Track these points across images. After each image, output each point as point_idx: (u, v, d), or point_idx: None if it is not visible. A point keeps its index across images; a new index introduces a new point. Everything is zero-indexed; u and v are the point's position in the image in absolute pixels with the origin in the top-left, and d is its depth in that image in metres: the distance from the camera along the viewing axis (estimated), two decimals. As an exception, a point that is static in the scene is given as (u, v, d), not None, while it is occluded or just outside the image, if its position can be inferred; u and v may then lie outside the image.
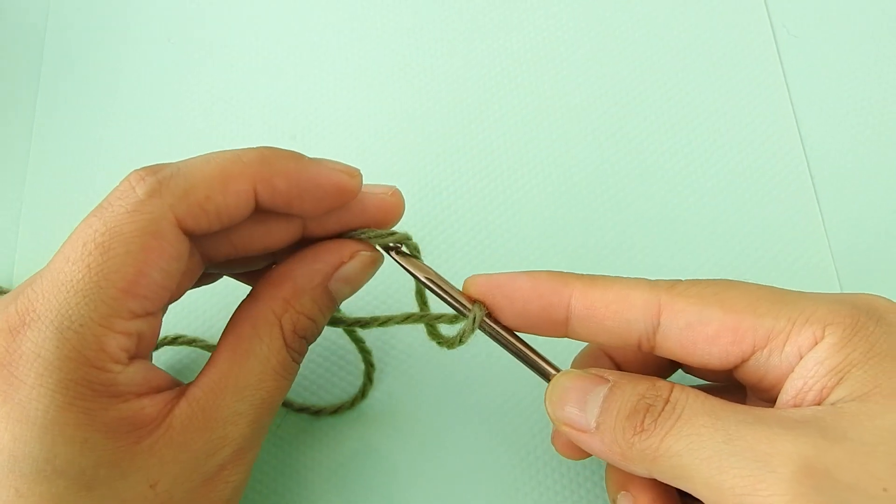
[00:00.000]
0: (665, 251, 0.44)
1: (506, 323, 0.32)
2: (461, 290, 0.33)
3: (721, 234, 0.45)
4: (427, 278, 0.33)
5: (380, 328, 0.37)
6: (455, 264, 0.44)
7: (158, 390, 0.30)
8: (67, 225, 0.45)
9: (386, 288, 0.43)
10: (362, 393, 0.40)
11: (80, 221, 0.45)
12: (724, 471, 0.26)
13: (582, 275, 0.32)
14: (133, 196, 0.29)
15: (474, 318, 0.32)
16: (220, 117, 0.49)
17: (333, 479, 0.39)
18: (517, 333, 0.33)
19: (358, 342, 0.40)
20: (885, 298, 0.29)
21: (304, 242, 0.34)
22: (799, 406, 0.27)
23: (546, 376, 0.32)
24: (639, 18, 0.51)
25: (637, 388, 0.29)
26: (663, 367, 0.35)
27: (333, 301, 0.33)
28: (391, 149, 0.48)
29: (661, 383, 0.29)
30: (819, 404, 0.27)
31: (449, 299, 0.33)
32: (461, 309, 0.33)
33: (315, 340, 0.34)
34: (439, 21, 0.51)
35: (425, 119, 0.48)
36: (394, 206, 0.34)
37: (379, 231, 0.33)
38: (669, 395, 0.28)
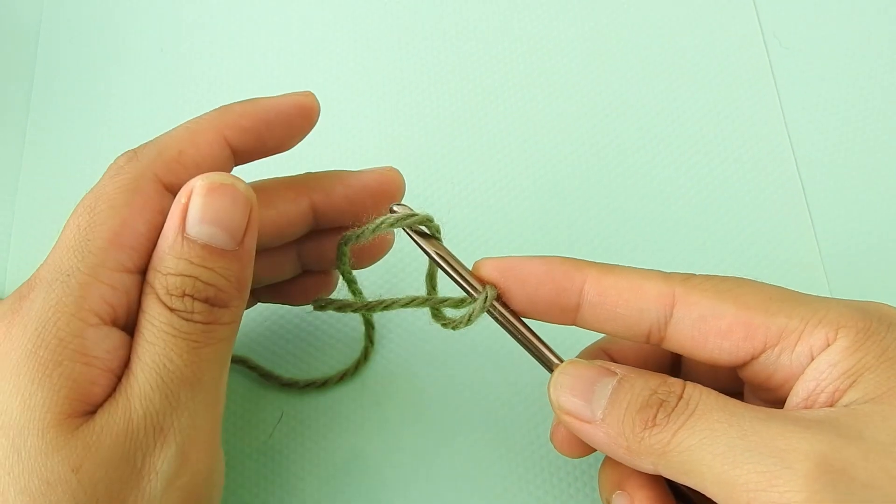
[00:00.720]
0: (656, 256, 0.45)
1: (515, 307, 0.32)
2: (478, 266, 0.33)
3: (711, 241, 0.45)
4: (438, 255, 0.33)
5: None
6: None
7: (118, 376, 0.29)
8: (57, 231, 0.45)
9: (390, 268, 0.44)
10: (364, 356, 0.40)
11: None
12: (738, 466, 0.26)
13: (595, 263, 0.32)
14: (114, 167, 0.31)
15: (485, 298, 0.32)
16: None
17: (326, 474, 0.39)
18: (524, 320, 0.33)
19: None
20: (892, 307, 0.29)
21: (322, 235, 0.36)
22: (810, 408, 0.27)
23: (550, 366, 0.32)
24: (631, 28, 0.51)
25: (649, 383, 0.29)
26: (664, 370, 0.35)
27: (206, 248, 0.29)
28: (387, 156, 0.48)
29: (672, 380, 0.29)
30: (832, 406, 0.27)
31: (460, 280, 0.33)
32: (471, 290, 0.33)
33: (228, 299, 0.30)
34: (438, 21, 0.51)
35: (423, 122, 0.49)
36: (392, 179, 0.35)
37: (400, 214, 0.33)
38: (682, 391, 0.28)
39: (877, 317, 0.28)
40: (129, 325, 0.30)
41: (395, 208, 0.33)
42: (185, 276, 0.29)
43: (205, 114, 0.33)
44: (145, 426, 0.28)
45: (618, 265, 0.31)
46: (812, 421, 0.26)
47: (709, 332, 0.29)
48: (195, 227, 0.29)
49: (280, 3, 0.52)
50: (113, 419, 0.28)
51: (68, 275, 0.28)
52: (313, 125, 0.35)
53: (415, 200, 0.42)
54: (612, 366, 0.31)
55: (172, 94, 0.50)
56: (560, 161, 0.48)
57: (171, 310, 0.29)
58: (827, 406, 0.27)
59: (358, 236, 0.33)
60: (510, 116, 0.49)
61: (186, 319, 0.29)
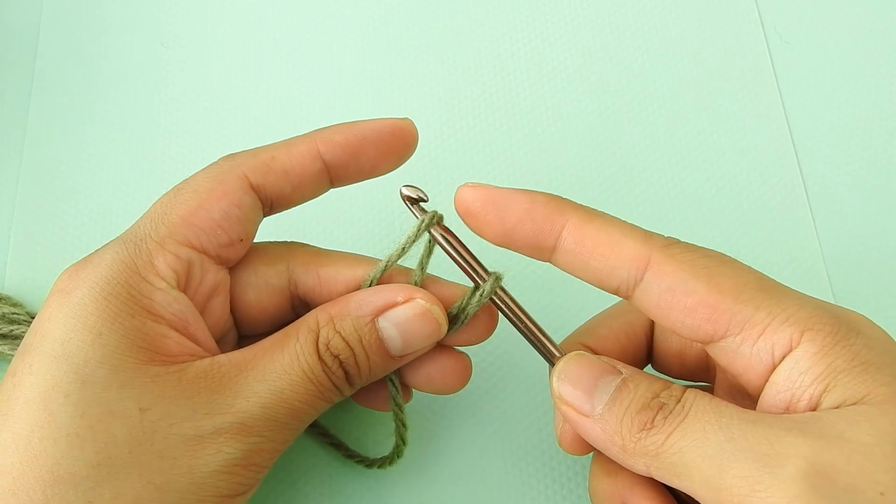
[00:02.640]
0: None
1: (491, 238, 0.32)
2: (454, 198, 0.32)
3: (712, 240, 0.45)
4: (453, 247, 0.33)
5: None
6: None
7: (192, 338, 0.31)
8: (59, 229, 0.45)
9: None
10: (397, 454, 0.39)
11: (73, 226, 0.45)
12: (725, 470, 0.26)
13: (580, 206, 0.31)
14: (213, 163, 0.34)
15: (495, 280, 0.32)
16: (214, 121, 0.49)
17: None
18: (527, 311, 0.33)
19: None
20: (866, 318, 0.29)
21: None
22: (792, 413, 0.27)
23: (550, 358, 0.33)
24: (631, 24, 0.51)
25: (653, 387, 0.29)
26: (639, 363, 0.36)
27: (379, 342, 0.32)
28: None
29: (675, 386, 0.29)
30: (814, 410, 0.27)
31: (466, 266, 0.33)
32: (476, 278, 0.33)
33: (358, 381, 0.33)
34: (435, 23, 0.51)
35: (421, 122, 0.48)
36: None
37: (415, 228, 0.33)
38: (682, 395, 0.29)
39: (846, 322, 0.28)
40: (188, 293, 0.32)
41: (403, 190, 0.33)
42: (349, 346, 0.32)
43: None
44: (233, 418, 0.29)
45: (602, 214, 0.31)
46: (797, 423, 0.26)
47: (674, 305, 0.29)
48: (387, 326, 0.32)
49: (280, -3, 0.52)
50: (195, 378, 0.30)
51: (142, 240, 0.31)
52: (410, 150, 0.35)
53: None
54: (619, 365, 0.31)
55: (173, 89, 0.50)
56: (561, 161, 0.48)
57: (320, 358, 0.31)
58: (809, 410, 0.27)
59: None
60: (505, 121, 0.49)
61: (325, 373, 0.31)
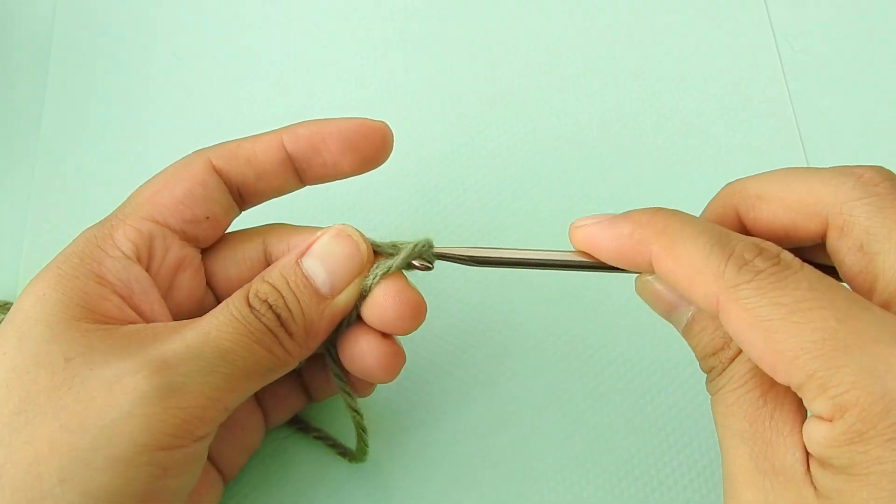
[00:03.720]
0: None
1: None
2: (569, 234, 0.33)
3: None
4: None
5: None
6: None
7: (135, 308, 0.32)
8: (72, 236, 0.45)
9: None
10: (361, 453, 0.39)
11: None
12: (722, 454, 0.29)
13: (662, 230, 0.30)
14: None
15: (413, 246, 0.34)
16: (227, 133, 0.49)
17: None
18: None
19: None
20: None
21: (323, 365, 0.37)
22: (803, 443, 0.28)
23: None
24: (641, 34, 0.51)
25: (712, 342, 0.30)
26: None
27: (305, 280, 0.33)
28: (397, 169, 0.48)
29: (733, 343, 0.30)
30: (808, 457, 0.27)
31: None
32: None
33: (294, 327, 0.32)
34: (432, 25, 0.52)
35: (422, 123, 0.49)
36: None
37: (399, 247, 0.35)
38: (729, 363, 0.30)
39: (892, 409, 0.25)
40: (151, 266, 0.33)
41: (415, 262, 0.35)
42: (275, 289, 0.32)
43: None
44: (159, 358, 0.29)
45: (683, 234, 0.29)
46: (767, 468, 0.27)
47: (742, 346, 0.28)
48: (308, 259, 0.33)
49: (294, 7, 0.53)
50: (127, 334, 0.30)
51: (108, 219, 0.34)
52: (380, 153, 0.35)
53: (411, 207, 0.42)
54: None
55: (187, 100, 0.50)
56: (568, 172, 0.48)
57: (248, 305, 0.32)
58: (807, 455, 0.27)
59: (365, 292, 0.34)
60: (503, 123, 0.49)
61: (254, 315, 0.31)
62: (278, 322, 0.32)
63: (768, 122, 0.49)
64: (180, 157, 0.35)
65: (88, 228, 0.33)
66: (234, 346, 0.30)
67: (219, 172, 0.35)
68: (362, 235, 0.34)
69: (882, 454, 0.25)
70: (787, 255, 0.28)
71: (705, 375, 0.31)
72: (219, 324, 0.31)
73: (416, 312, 0.34)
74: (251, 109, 0.50)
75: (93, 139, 0.49)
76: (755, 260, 0.27)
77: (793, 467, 0.27)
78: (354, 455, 0.39)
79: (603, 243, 0.32)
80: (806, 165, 0.47)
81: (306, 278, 0.33)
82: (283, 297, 0.32)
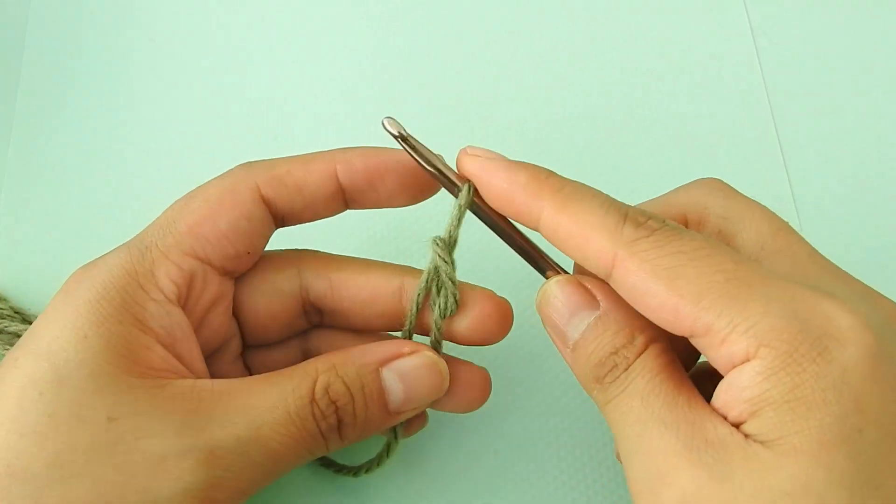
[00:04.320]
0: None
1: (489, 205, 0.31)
2: (457, 158, 0.32)
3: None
4: (427, 163, 0.32)
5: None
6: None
7: (177, 356, 0.30)
8: (45, 225, 0.45)
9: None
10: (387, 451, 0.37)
11: (59, 222, 0.45)
12: (630, 464, 0.27)
13: (558, 188, 0.29)
14: (228, 170, 0.33)
15: (468, 191, 0.31)
16: (202, 116, 0.49)
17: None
18: (512, 223, 0.32)
19: None
20: (862, 322, 0.25)
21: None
22: (724, 417, 0.26)
23: (541, 271, 0.32)
24: (618, 25, 0.52)
25: (615, 339, 0.29)
26: None
27: (381, 392, 0.31)
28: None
29: (639, 339, 0.29)
30: (738, 426, 0.26)
31: (446, 181, 0.32)
32: (451, 187, 0.32)
33: (350, 434, 0.31)
34: (422, 20, 0.51)
35: (405, 118, 0.49)
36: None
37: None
38: (634, 361, 0.28)
39: (815, 337, 0.25)
40: (188, 304, 0.31)
41: (385, 123, 0.32)
42: (349, 391, 0.30)
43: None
44: (204, 442, 0.28)
45: (581, 196, 0.29)
46: (703, 443, 0.26)
47: (639, 302, 0.28)
48: (390, 372, 0.31)
49: (269, -7, 0.52)
50: (171, 398, 0.29)
51: (147, 248, 0.31)
52: (434, 186, 0.34)
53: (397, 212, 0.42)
54: (600, 294, 0.30)
55: (162, 85, 0.49)
56: (547, 164, 0.48)
57: (314, 401, 0.30)
58: (734, 424, 0.26)
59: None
60: (496, 127, 0.49)
61: (314, 419, 0.30)
62: (336, 425, 0.30)
63: (744, 113, 0.49)
64: (225, 172, 0.33)
65: (126, 253, 0.31)
66: (282, 448, 0.29)
67: (266, 201, 0.33)
68: (446, 368, 0.33)
69: (818, 371, 0.24)
70: (673, 222, 0.29)
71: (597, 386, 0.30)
72: (273, 422, 0.29)
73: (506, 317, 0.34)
74: (229, 93, 0.49)
75: (67, 124, 0.48)
76: (648, 221, 0.28)
77: (728, 435, 0.25)
78: (361, 468, 0.37)
79: (494, 182, 0.30)
80: (780, 155, 0.48)
81: (383, 391, 0.31)
82: (353, 402, 0.31)
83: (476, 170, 0.31)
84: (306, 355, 0.36)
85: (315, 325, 0.36)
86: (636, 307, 0.28)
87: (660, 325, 0.28)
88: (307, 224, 0.35)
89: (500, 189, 0.30)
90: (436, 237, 0.33)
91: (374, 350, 0.32)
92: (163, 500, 0.27)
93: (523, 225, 0.31)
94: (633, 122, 0.49)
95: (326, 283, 0.34)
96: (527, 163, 0.31)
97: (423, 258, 0.34)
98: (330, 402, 0.30)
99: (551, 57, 0.51)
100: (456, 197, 0.32)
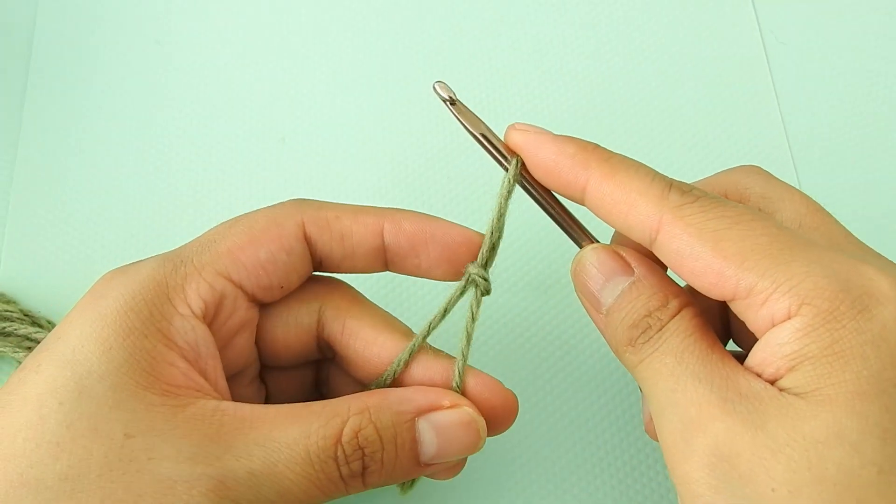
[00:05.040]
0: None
1: (534, 178, 0.32)
2: (505, 133, 0.32)
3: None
4: (477, 132, 0.33)
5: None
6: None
7: (201, 372, 0.30)
8: (54, 226, 0.45)
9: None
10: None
11: (68, 224, 0.45)
12: (662, 417, 0.28)
13: (606, 158, 0.30)
14: (279, 203, 0.33)
15: (516, 165, 0.32)
16: (209, 120, 0.49)
17: None
18: (554, 195, 0.33)
19: None
20: (894, 281, 0.26)
21: None
22: (759, 376, 0.27)
23: (578, 243, 0.33)
24: (627, 26, 0.51)
25: (649, 303, 0.29)
26: None
27: (413, 444, 0.30)
28: (380, 150, 0.48)
29: (673, 302, 0.29)
30: (773, 383, 0.26)
31: (494, 152, 0.33)
32: (502, 160, 0.33)
33: (375, 481, 0.30)
34: (426, 23, 0.51)
35: (413, 121, 0.49)
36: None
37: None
38: (669, 320, 0.29)
39: (856, 296, 0.25)
40: (214, 325, 0.31)
41: (436, 86, 0.33)
42: (380, 439, 0.29)
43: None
44: (216, 471, 0.27)
45: (627, 166, 0.30)
46: (737, 395, 0.26)
47: (683, 267, 0.28)
48: (425, 423, 0.30)
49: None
50: (190, 419, 0.28)
51: (182, 262, 0.31)
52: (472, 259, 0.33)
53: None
54: (634, 260, 0.30)
55: (169, 87, 0.49)
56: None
57: (339, 444, 0.29)
58: (769, 381, 0.26)
59: None
60: (507, 114, 0.49)
61: (336, 464, 0.29)
62: (360, 471, 0.29)
63: (752, 113, 0.49)
64: (276, 203, 0.33)
65: (160, 264, 0.31)
66: (295, 489, 0.28)
67: (307, 239, 0.32)
68: (485, 426, 0.32)
69: (858, 327, 0.25)
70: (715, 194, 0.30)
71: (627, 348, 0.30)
72: (289, 460, 0.28)
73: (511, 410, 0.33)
74: (234, 95, 0.49)
75: (75, 125, 0.48)
76: (693, 190, 0.29)
77: (762, 389, 0.26)
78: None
79: (542, 153, 0.31)
80: (790, 155, 0.48)
81: (416, 443, 0.30)
82: (383, 450, 0.29)
83: (525, 142, 0.32)
84: (319, 378, 0.37)
85: (328, 358, 0.36)
86: (678, 272, 0.29)
87: (701, 289, 0.28)
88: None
89: (548, 159, 0.31)
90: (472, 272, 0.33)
91: (413, 398, 0.31)
92: None
93: (567, 197, 0.32)
94: (638, 121, 0.49)
95: (340, 327, 0.33)
96: (573, 137, 0.31)
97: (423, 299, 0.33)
98: (357, 448, 0.29)
99: (554, 57, 0.50)
100: (506, 170, 0.32)
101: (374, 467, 0.30)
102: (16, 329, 0.40)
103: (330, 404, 0.30)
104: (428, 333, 0.33)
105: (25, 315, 0.41)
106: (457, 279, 0.33)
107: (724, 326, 0.34)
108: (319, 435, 0.29)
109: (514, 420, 0.33)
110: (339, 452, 0.29)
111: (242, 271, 0.31)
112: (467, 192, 0.47)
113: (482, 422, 0.31)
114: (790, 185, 0.32)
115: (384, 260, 0.34)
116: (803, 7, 0.52)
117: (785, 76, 0.50)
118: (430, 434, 0.30)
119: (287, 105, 0.49)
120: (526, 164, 0.32)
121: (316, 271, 0.34)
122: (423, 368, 0.33)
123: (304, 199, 0.34)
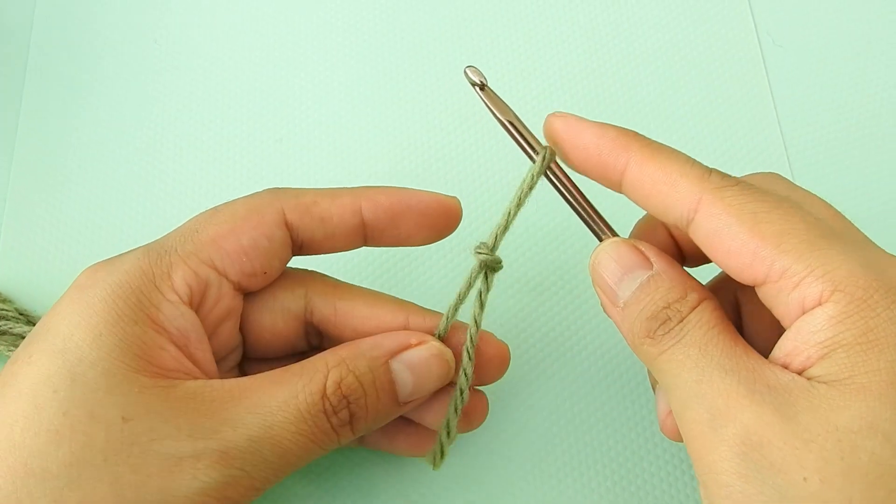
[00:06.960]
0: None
1: (573, 168, 0.32)
2: (543, 126, 0.33)
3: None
4: (505, 119, 0.33)
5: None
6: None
7: (190, 357, 0.31)
8: (50, 225, 0.45)
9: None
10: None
11: (64, 223, 0.45)
12: (686, 408, 0.27)
13: (646, 142, 0.31)
14: (258, 192, 0.34)
15: (543, 157, 0.32)
16: (207, 119, 0.49)
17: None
18: (579, 188, 0.33)
19: None
20: None
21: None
22: (788, 366, 0.27)
23: (598, 237, 0.33)
24: (622, 27, 0.52)
25: (668, 295, 0.29)
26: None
27: (391, 384, 0.32)
28: (377, 151, 0.48)
29: (693, 295, 0.29)
30: (801, 373, 0.26)
31: (521, 141, 0.33)
32: (531, 152, 0.33)
33: (362, 426, 0.32)
34: (425, 24, 0.51)
35: (409, 121, 0.49)
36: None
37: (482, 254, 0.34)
38: (690, 312, 0.29)
39: (889, 285, 0.26)
40: (200, 312, 0.32)
41: (467, 71, 0.33)
42: (361, 385, 0.31)
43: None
44: (216, 445, 0.28)
45: (668, 150, 0.31)
46: (765, 387, 0.26)
47: (718, 247, 0.28)
48: (399, 364, 0.32)
49: (274, -4, 0.52)
50: (184, 398, 0.29)
51: (166, 251, 0.31)
52: (451, 229, 0.35)
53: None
54: (653, 255, 0.31)
55: (166, 86, 0.49)
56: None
57: (325, 397, 0.30)
58: (798, 371, 0.26)
59: None
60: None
61: (325, 416, 0.30)
62: (348, 420, 0.31)
63: (749, 116, 0.49)
64: (253, 193, 0.34)
65: (143, 254, 0.31)
66: (293, 446, 0.30)
67: (288, 226, 0.33)
68: (452, 357, 0.33)
69: (892, 316, 0.25)
70: None
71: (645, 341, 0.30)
72: (284, 420, 0.29)
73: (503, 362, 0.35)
74: (231, 94, 0.49)
75: (71, 124, 0.48)
76: (731, 177, 0.30)
77: (791, 381, 0.26)
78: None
79: (582, 138, 0.31)
80: (786, 158, 0.48)
81: (393, 383, 0.32)
82: (366, 395, 0.31)
83: (566, 126, 0.32)
84: None
85: (314, 347, 0.36)
86: (713, 252, 0.29)
87: (733, 271, 0.28)
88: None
89: (590, 142, 0.31)
90: (482, 254, 0.33)
91: (383, 342, 0.32)
92: (180, 499, 0.28)
93: (604, 181, 0.32)
94: (634, 123, 0.48)
95: (332, 310, 0.34)
96: (611, 124, 0.32)
97: (426, 284, 0.34)
98: (342, 398, 0.30)
99: (546, 61, 0.51)
100: (533, 161, 0.33)
101: (360, 413, 0.31)
102: (11, 328, 0.40)
103: (308, 363, 0.31)
104: (457, 308, 0.34)
105: (21, 314, 0.41)
106: (432, 241, 0.35)
107: (736, 326, 0.34)
108: (306, 392, 0.30)
109: (506, 369, 0.36)
110: (327, 405, 0.30)
111: (226, 259, 0.32)
112: (466, 192, 0.47)
113: (449, 353, 0.33)
114: (811, 192, 0.32)
115: (363, 236, 0.34)
116: (800, 9, 0.52)
117: (781, 79, 0.50)
118: (405, 373, 0.32)
119: (284, 105, 0.49)
120: (566, 148, 0.32)
121: (298, 255, 0.35)
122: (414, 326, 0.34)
123: (279, 188, 0.34)
